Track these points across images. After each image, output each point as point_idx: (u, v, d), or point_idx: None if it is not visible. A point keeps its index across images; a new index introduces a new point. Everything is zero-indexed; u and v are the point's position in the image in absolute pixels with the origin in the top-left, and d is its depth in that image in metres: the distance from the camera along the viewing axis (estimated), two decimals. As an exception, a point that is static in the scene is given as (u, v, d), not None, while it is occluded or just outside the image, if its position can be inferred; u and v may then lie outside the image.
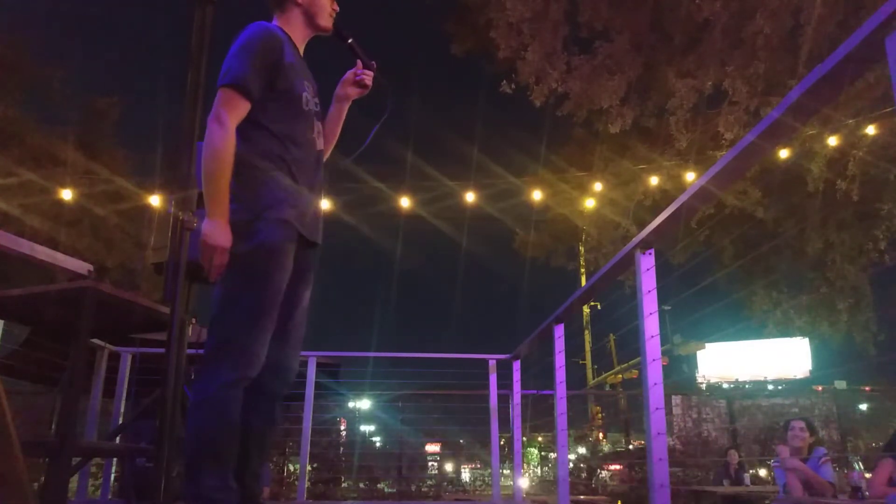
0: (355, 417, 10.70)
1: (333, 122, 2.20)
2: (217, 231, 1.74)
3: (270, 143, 1.89)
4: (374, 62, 2.17)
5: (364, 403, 10.47)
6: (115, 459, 4.51)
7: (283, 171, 1.88)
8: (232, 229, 1.78)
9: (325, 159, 2.14)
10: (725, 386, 19.07)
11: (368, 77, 2.16)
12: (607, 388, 19.69)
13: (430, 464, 11.11)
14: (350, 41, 2.14)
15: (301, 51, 2.07)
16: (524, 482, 10.75)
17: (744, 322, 12.54)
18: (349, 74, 2.17)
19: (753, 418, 11.38)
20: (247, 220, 1.81)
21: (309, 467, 6.35)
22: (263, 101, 1.88)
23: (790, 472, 4.46)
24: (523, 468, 6.25)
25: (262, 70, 1.85)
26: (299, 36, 2.06)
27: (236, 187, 1.83)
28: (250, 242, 1.79)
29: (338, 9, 2.11)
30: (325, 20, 2.07)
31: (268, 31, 1.92)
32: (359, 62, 2.16)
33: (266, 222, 1.81)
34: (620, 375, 19.38)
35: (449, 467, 11.66)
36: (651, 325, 2.29)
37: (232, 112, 1.81)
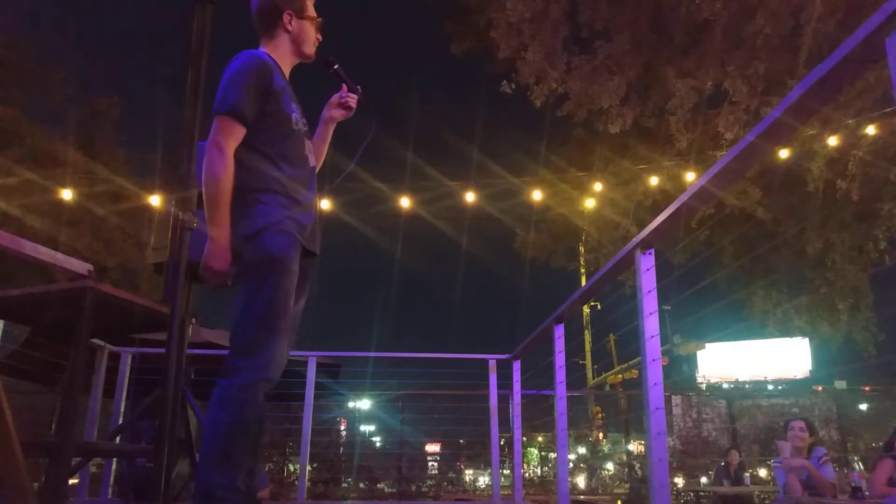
0: (355, 417, 10.71)
1: (320, 143, 2.32)
2: (218, 254, 1.88)
3: (265, 165, 2.01)
4: (358, 87, 2.29)
5: (364, 403, 10.48)
6: (115, 459, 4.51)
7: (279, 189, 2.00)
8: (239, 245, 1.91)
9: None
10: (725, 386, 19.07)
11: (353, 100, 2.29)
12: (607, 388, 19.69)
13: (430, 464, 11.11)
14: (336, 67, 2.27)
15: (287, 76, 2.18)
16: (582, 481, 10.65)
17: (744, 322, 12.53)
18: (335, 98, 2.30)
19: (753, 418, 11.38)
20: (252, 234, 1.93)
21: (309, 467, 6.35)
22: (256, 124, 1.99)
23: (791, 472, 4.46)
24: (523, 467, 6.25)
25: (255, 96, 1.98)
26: (286, 62, 2.18)
27: (238, 208, 1.94)
28: (258, 254, 1.92)
29: (321, 38, 2.24)
30: (310, 48, 2.21)
31: (259, 59, 2.04)
32: (344, 86, 2.28)
33: (270, 234, 1.94)
34: (620, 375, 19.36)
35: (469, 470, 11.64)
36: (651, 325, 2.29)
37: (230, 138, 1.94)
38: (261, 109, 1.99)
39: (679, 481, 10.07)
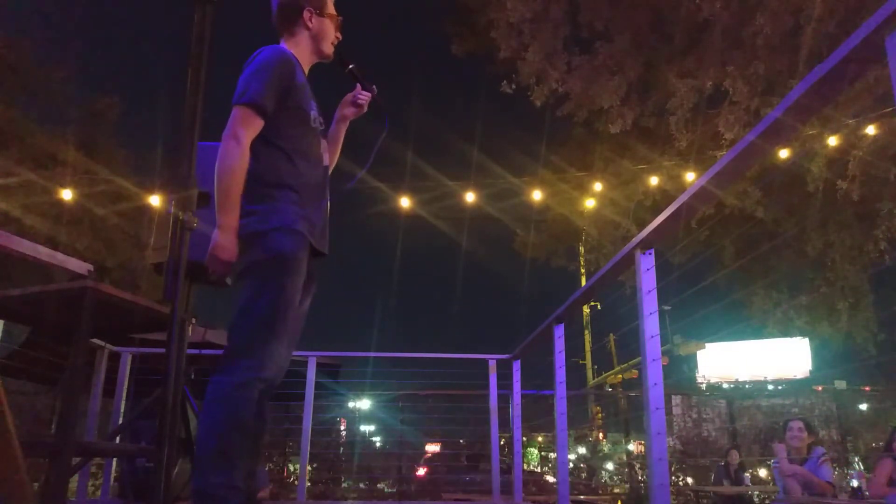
0: (355, 417, 10.70)
1: (334, 141, 2.32)
2: (226, 243, 1.85)
3: (280, 160, 2.00)
4: (374, 87, 2.30)
5: (364, 403, 10.47)
6: (115, 459, 4.51)
7: (292, 185, 1.99)
8: (248, 241, 1.89)
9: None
10: (725, 386, 19.08)
11: (365, 98, 2.29)
12: (607, 388, 19.69)
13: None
14: (350, 67, 2.27)
15: (305, 74, 2.18)
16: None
17: (744, 322, 12.52)
18: (348, 96, 2.30)
19: (753, 418, 11.38)
20: (262, 231, 1.91)
21: (309, 467, 6.35)
22: (275, 119, 1.98)
23: (788, 477, 4.46)
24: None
25: (276, 90, 1.97)
26: (305, 60, 2.18)
27: (249, 202, 1.93)
28: (266, 252, 1.90)
29: (340, 37, 2.24)
30: (329, 47, 2.21)
31: (283, 54, 2.05)
32: (358, 85, 2.29)
33: (280, 233, 1.92)
34: (620, 375, 19.38)
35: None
36: (651, 325, 2.29)
37: (248, 130, 1.93)
38: (281, 104, 1.99)
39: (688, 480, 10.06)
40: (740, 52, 7.81)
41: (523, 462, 5.95)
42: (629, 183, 10.33)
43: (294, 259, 1.92)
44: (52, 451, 2.10)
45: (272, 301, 1.87)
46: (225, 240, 1.85)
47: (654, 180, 9.75)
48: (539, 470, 11.80)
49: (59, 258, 2.30)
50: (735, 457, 7.38)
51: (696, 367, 20.12)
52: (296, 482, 7.77)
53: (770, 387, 18.79)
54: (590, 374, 20.73)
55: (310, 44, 2.17)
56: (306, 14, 2.14)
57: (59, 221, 10.61)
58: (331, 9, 2.21)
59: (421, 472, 10.18)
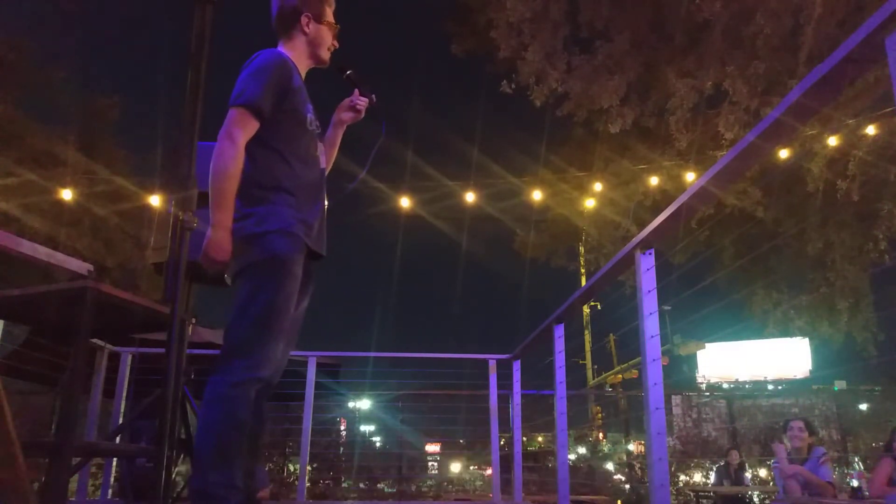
0: (355, 417, 10.70)
1: (331, 145, 2.35)
2: (220, 241, 1.87)
3: (276, 162, 2.02)
4: (373, 95, 2.33)
5: (364, 403, 10.47)
6: (115, 459, 4.51)
7: (288, 188, 2.01)
8: (244, 242, 1.92)
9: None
10: (725, 386, 19.09)
11: (362, 104, 2.33)
12: (607, 388, 19.69)
13: (430, 464, 11.11)
14: (348, 73, 2.31)
15: (302, 78, 2.20)
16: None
17: (744, 322, 12.52)
18: (346, 101, 2.34)
19: (753, 418, 11.37)
20: (258, 234, 1.93)
21: (309, 467, 6.35)
22: (272, 121, 2.01)
23: (789, 478, 4.47)
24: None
25: (273, 93, 2.00)
26: (302, 64, 2.21)
27: (246, 205, 1.96)
28: (262, 253, 1.92)
29: (337, 45, 2.27)
30: (325, 54, 2.24)
31: (281, 58, 2.08)
32: (356, 90, 2.33)
33: (276, 234, 1.94)
34: (620, 375, 19.38)
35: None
36: (651, 325, 2.30)
37: (244, 130, 1.95)
38: (277, 107, 2.01)
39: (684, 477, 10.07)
40: (740, 52, 7.81)
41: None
42: (629, 183, 10.33)
43: (290, 261, 1.94)
44: (52, 451, 2.10)
45: (269, 301, 1.89)
46: (218, 237, 1.86)
47: (654, 180, 9.74)
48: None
49: (59, 258, 2.30)
50: (735, 457, 7.38)
51: (696, 367, 20.14)
52: (296, 482, 7.77)
53: (770, 387, 18.80)
54: (590, 374, 20.75)
55: (306, 49, 2.20)
56: (304, 19, 2.17)
57: (59, 221, 10.60)
58: (329, 17, 2.23)
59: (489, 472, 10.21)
